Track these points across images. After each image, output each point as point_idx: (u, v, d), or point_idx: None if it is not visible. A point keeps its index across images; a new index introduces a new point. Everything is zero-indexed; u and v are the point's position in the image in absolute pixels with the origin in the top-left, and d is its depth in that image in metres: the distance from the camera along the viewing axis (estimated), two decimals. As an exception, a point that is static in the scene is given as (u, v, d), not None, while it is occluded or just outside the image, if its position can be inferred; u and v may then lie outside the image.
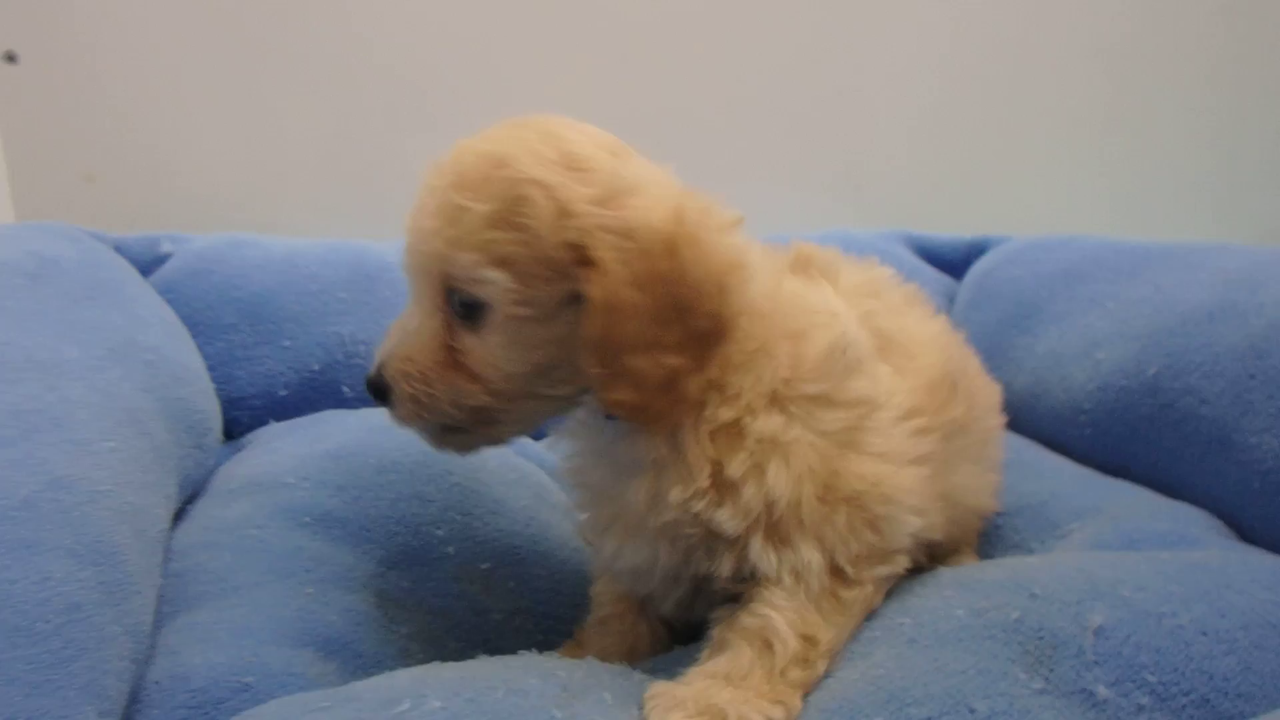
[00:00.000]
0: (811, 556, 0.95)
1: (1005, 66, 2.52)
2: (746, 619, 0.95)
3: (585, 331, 0.90)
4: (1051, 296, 1.80)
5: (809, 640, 0.94)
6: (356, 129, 2.27)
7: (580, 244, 0.88)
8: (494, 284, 0.90)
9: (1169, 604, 0.93)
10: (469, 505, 1.37)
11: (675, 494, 0.95)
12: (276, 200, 2.25)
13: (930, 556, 1.16)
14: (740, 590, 0.99)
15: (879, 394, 1.01)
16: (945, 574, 1.08)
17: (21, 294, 1.30)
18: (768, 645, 0.93)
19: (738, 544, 0.96)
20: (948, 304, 2.10)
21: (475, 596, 1.28)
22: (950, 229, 2.28)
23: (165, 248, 1.79)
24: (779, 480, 0.94)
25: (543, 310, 0.92)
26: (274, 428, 1.62)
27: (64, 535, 0.91)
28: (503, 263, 0.90)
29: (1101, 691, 0.86)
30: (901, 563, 1.04)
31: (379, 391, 0.99)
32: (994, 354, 1.83)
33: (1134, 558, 1.08)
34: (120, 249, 1.73)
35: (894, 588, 1.05)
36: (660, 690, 0.90)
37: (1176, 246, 1.67)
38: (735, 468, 0.94)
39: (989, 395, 1.32)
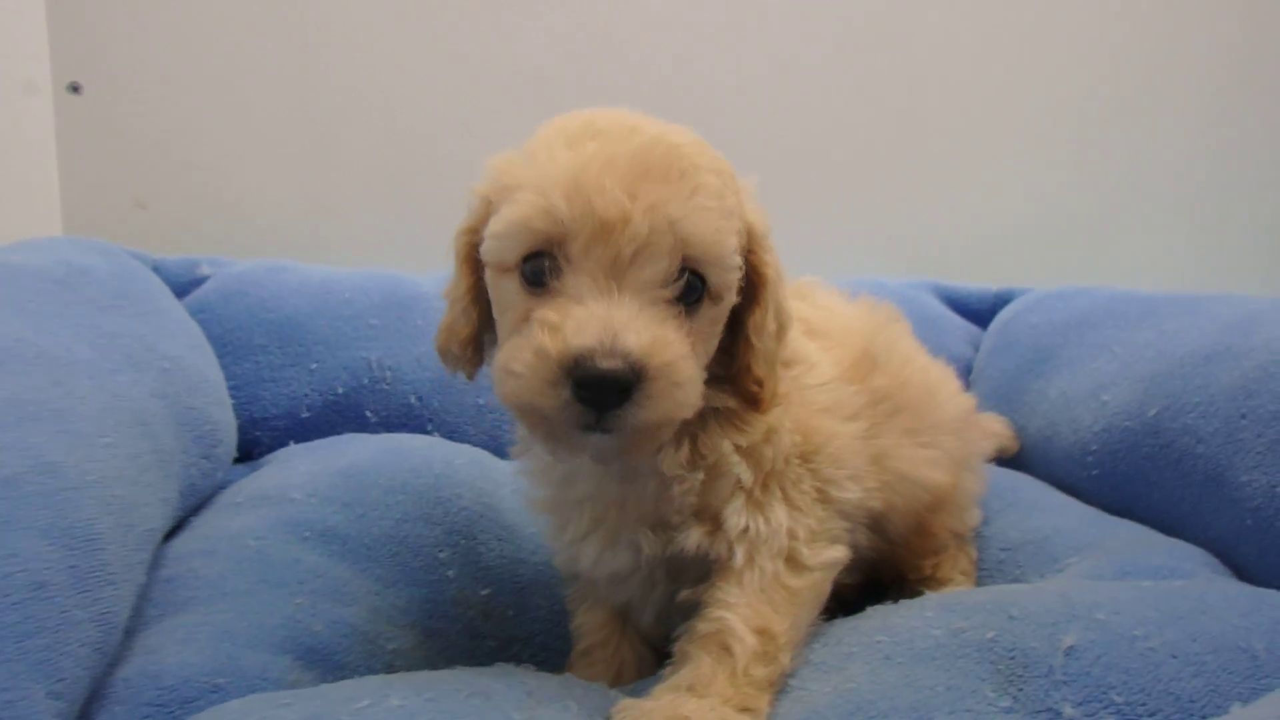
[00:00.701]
0: (781, 519, 1.01)
1: (1045, 124, 2.54)
2: (702, 626, 0.98)
3: (752, 322, 0.98)
4: (1065, 343, 1.84)
5: (765, 634, 0.96)
6: (404, 163, 2.31)
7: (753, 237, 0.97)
8: (732, 266, 0.92)
9: (1143, 627, 0.94)
10: (476, 530, 1.38)
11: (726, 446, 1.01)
12: (322, 230, 2.30)
13: (892, 559, 1.28)
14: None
15: (812, 354, 1.11)
16: (931, 597, 1.09)
17: (46, 297, 1.34)
18: (726, 649, 0.95)
19: (713, 515, 1.01)
20: (973, 351, 2.14)
21: (472, 621, 1.29)
22: (981, 280, 2.31)
23: (204, 270, 1.84)
24: (784, 439, 1.03)
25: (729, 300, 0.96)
26: (293, 449, 1.64)
27: (40, 516, 0.92)
28: (734, 246, 0.92)
29: (1068, 711, 0.87)
30: (843, 549, 1.07)
31: (618, 387, 0.84)
32: (1012, 398, 1.89)
33: (1117, 585, 1.09)
34: (159, 269, 1.78)
35: (878, 608, 1.08)
36: (627, 704, 0.92)
37: (1181, 296, 1.71)
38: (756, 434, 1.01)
39: (938, 387, 1.35)
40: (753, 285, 0.98)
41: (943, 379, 1.39)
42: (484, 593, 1.30)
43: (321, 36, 2.27)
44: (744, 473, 1.01)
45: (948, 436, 1.28)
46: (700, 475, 0.99)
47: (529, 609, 1.31)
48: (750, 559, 0.99)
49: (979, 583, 1.37)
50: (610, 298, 0.85)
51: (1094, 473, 1.57)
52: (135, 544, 1.06)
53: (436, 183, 2.23)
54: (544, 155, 0.89)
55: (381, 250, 2.24)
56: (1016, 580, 1.35)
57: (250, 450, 1.69)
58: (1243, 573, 1.28)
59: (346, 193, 2.30)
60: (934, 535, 1.32)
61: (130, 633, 1.05)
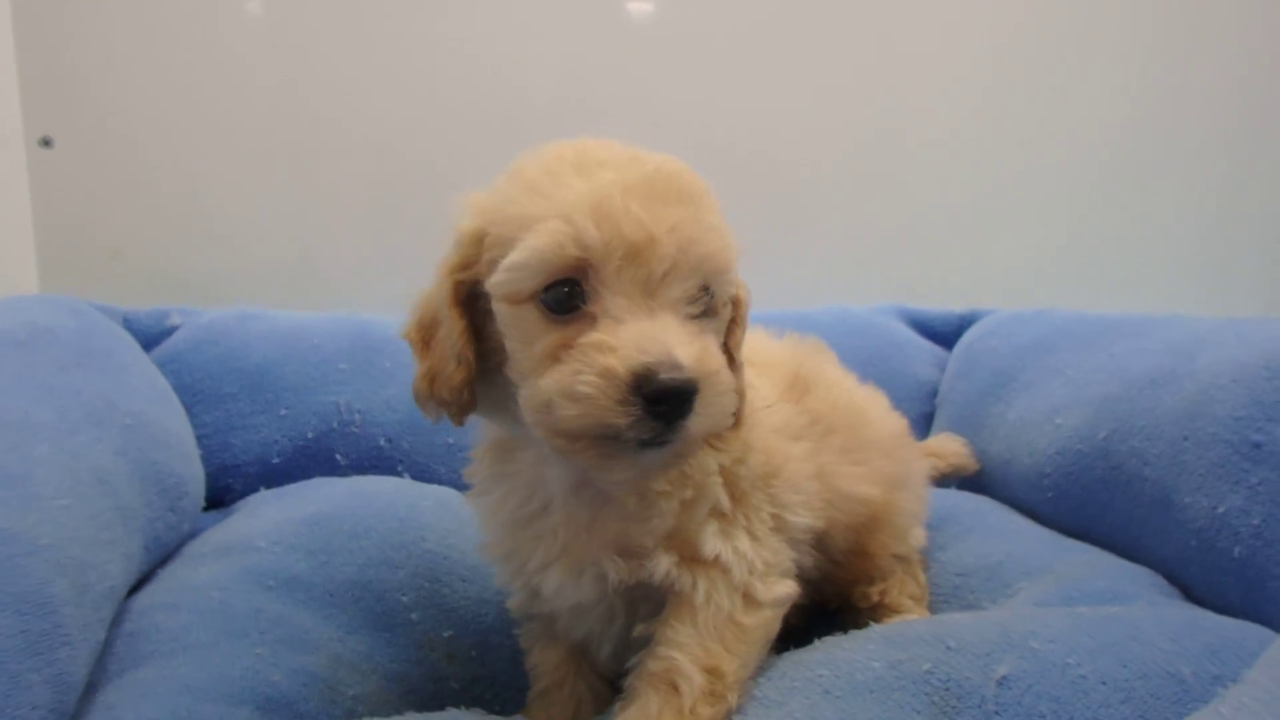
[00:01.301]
0: (745, 549, 1.03)
1: (1017, 148, 2.58)
2: (651, 664, 1.00)
3: (733, 340, 1.03)
4: (1023, 366, 1.85)
5: (714, 673, 0.98)
6: (381, 211, 2.34)
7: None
8: (733, 282, 0.97)
9: (1075, 654, 0.96)
10: (439, 573, 1.39)
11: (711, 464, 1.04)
12: (297, 277, 2.33)
13: (835, 579, 1.30)
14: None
15: (753, 378, 1.13)
16: (876, 629, 1.10)
17: (7, 360, 1.36)
18: (674, 688, 0.97)
19: (685, 540, 1.03)
20: (939, 374, 2.15)
21: (435, 663, 1.30)
22: (948, 302, 2.33)
23: (174, 320, 1.86)
24: (755, 459, 1.08)
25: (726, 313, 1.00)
26: (263, 494, 1.66)
27: (-9, 584, 0.94)
28: (734, 263, 0.96)
29: (997, 740, 0.89)
30: (793, 585, 1.09)
31: (684, 398, 0.87)
32: (974, 421, 1.90)
33: (1057, 613, 1.10)
34: (129, 321, 1.80)
35: (825, 640, 1.09)
36: None
37: (1132, 317, 1.73)
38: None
39: (865, 408, 1.39)
40: (732, 306, 1.01)
41: (870, 401, 1.43)
42: (447, 634, 1.31)
43: (294, 88, 2.32)
44: (722, 496, 1.03)
45: (878, 455, 1.31)
46: (688, 492, 1.02)
47: (492, 648, 1.32)
48: (709, 597, 1.01)
49: (934, 608, 1.39)
50: (652, 315, 0.87)
51: (1049, 495, 1.59)
52: (93, 603, 1.08)
53: (415, 230, 2.27)
54: (555, 184, 0.90)
55: (357, 295, 2.27)
56: (970, 606, 1.36)
57: (222, 497, 1.72)
58: (1190, 594, 1.30)
59: (321, 240, 2.34)
60: (873, 556, 1.33)
61: (93, 688, 1.06)
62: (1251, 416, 1.25)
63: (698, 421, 0.87)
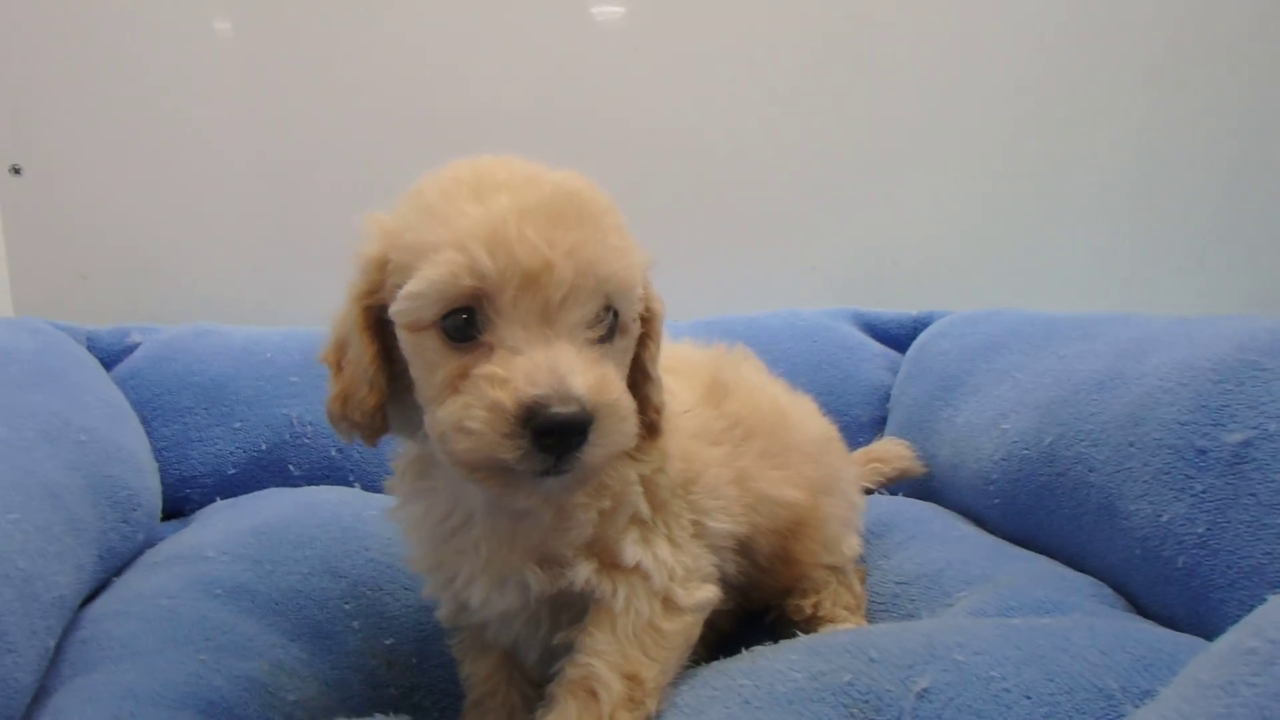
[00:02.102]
0: (665, 556, 1.04)
1: (966, 148, 2.59)
2: (570, 670, 1.01)
3: (647, 354, 1.03)
4: (972, 369, 1.82)
5: (633, 679, 0.99)
6: (340, 234, 2.37)
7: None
8: (637, 299, 0.96)
9: (1001, 667, 0.95)
10: (382, 581, 1.42)
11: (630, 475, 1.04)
12: (259, 297, 2.37)
13: (761, 587, 1.30)
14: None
15: (670, 383, 1.11)
16: (803, 639, 1.11)
17: (-35, 382, 1.40)
18: (592, 694, 0.98)
19: (605, 548, 1.03)
20: (892, 377, 2.14)
21: (375, 670, 1.32)
22: (907, 307, 2.32)
23: (134, 338, 1.91)
24: (673, 466, 1.08)
25: (634, 330, 0.99)
26: (218, 505, 1.69)
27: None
28: (639, 280, 0.96)
29: (914, 754, 0.88)
30: (714, 589, 1.10)
31: (575, 430, 0.85)
32: (924, 426, 1.88)
33: (987, 623, 1.09)
34: (92, 339, 1.85)
35: (751, 650, 1.09)
36: None
37: (1084, 317, 1.69)
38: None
39: (788, 412, 1.38)
40: (644, 320, 1.01)
41: (795, 406, 1.42)
42: (388, 642, 1.33)
43: (258, 117, 2.36)
44: (642, 504, 1.04)
45: (802, 459, 1.31)
46: (606, 503, 1.02)
47: (431, 656, 1.34)
48: (628, 603, 1.02)
49: (872, 617, 1.39)
50: (548, 344, 0.86)
51: (996, 502, 1.57)
52: (40, 612, 1.10)
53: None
54: (451, 210, 0.89)
55: (318, 312, 2.30)
56: (909, 615, 1.36)
57: (181, 508, 1.75)
58: (1136, 604, 1.28)
59: (283, 261, 2.39)
60: (801, 564, 1.32)
61: (45, 693, 1.09)
62: (1196, 421, 1.22)
63: (594, 451, 0.86)
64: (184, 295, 2.35)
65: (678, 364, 1.23)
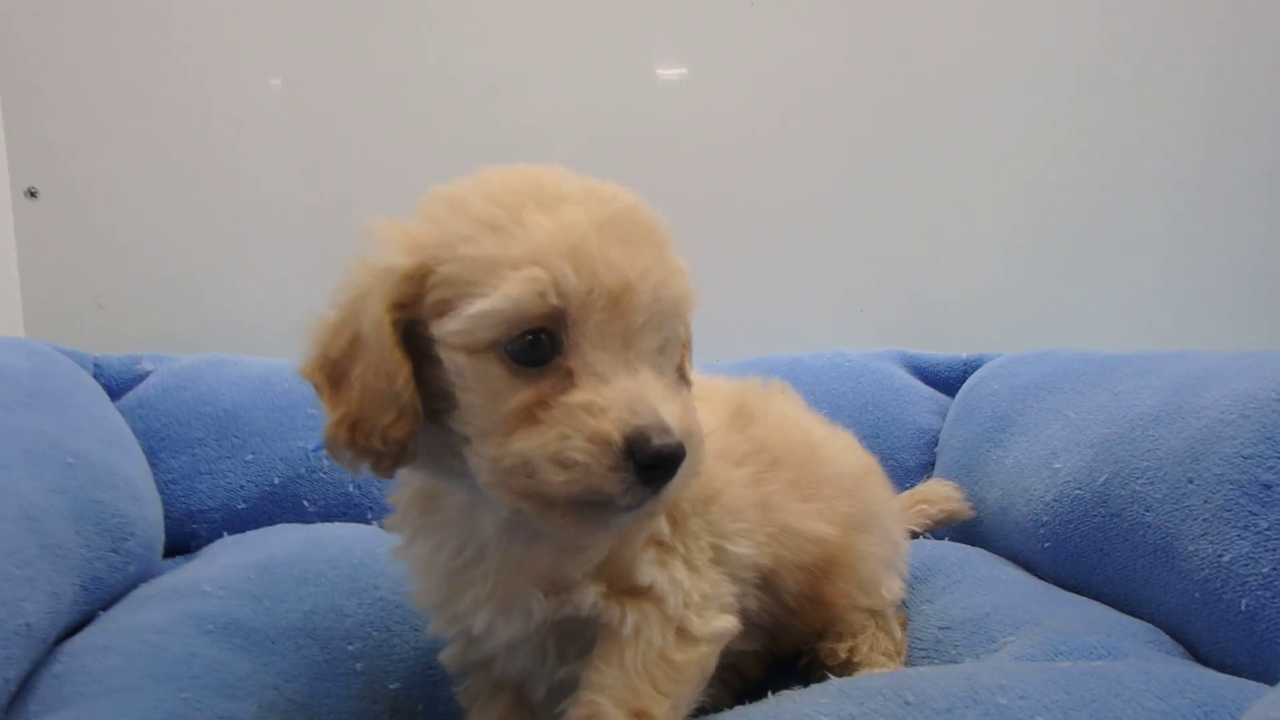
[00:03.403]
0: (682, 578, 0.98)
1: (1017, 187, 2.52)
2: (574, 710, 0.93)
3: (684, 362, 0.98)
4: (1023, 409, 1.75)
5: (642, 716, 0.92)
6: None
7: None
8: (688, 319, 0.94)
9: (1048, 713, 0.88)
10: (390, 621, 1.33)
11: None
12: (281, 327, 2.31)
13: (790, 629, 1.23)
14: None
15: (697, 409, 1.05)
16: (834, 683, 1.02)
17: (-52, 397, 1.33)
18: None
19: (618, 568, 0.97)
20: (940, 421, 2.07)
21: (378, 716, 1.24)
22: (956, 350, 2.27)
23: (146, 366, 1.85)
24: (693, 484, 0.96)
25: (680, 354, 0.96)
26: (225, 540, 1.62)
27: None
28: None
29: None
30: (733, 619, 1.02)
31: (675, 462, 0.82)
32: (972, 468, 1.80)
33: (1033, 667, 1.01)
34: (101, 366, 1.79)
35: (778, 694, 1.02)
36: None
37: (1140, 355, 1.61)
38: None
39: (821, 444, 1.32)
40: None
41: (831, 438, 1.37)
42: (393, 686, 1.25)
43: (273, 137, 2.32)
44: (661, 522, 0.98)
45: (835, 493, 1.24)
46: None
47: (439, 703, 1.25)
48: (638, 630, 0.95)
49: (912, 664, 1.30)
50: (632, 371, 0.83)
51: (1047, 545, 1.49)
52: (1, 637, 1.04)
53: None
54: (518, 222, 0.83)
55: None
56: (952, 661, 1.27)
57: (187, 544, 1.68)
58: (1195, 651, 1.20)
59: (306, 294, 2.32)
60: (833, 605, 1.25)
61: None
62: (1262, 455, 1.15)
63: (676, 484, 0.83)
64: (203, 327, 2.30)
65: (703, 392, 1.15)
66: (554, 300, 0.80)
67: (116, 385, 1.79)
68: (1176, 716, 0.87)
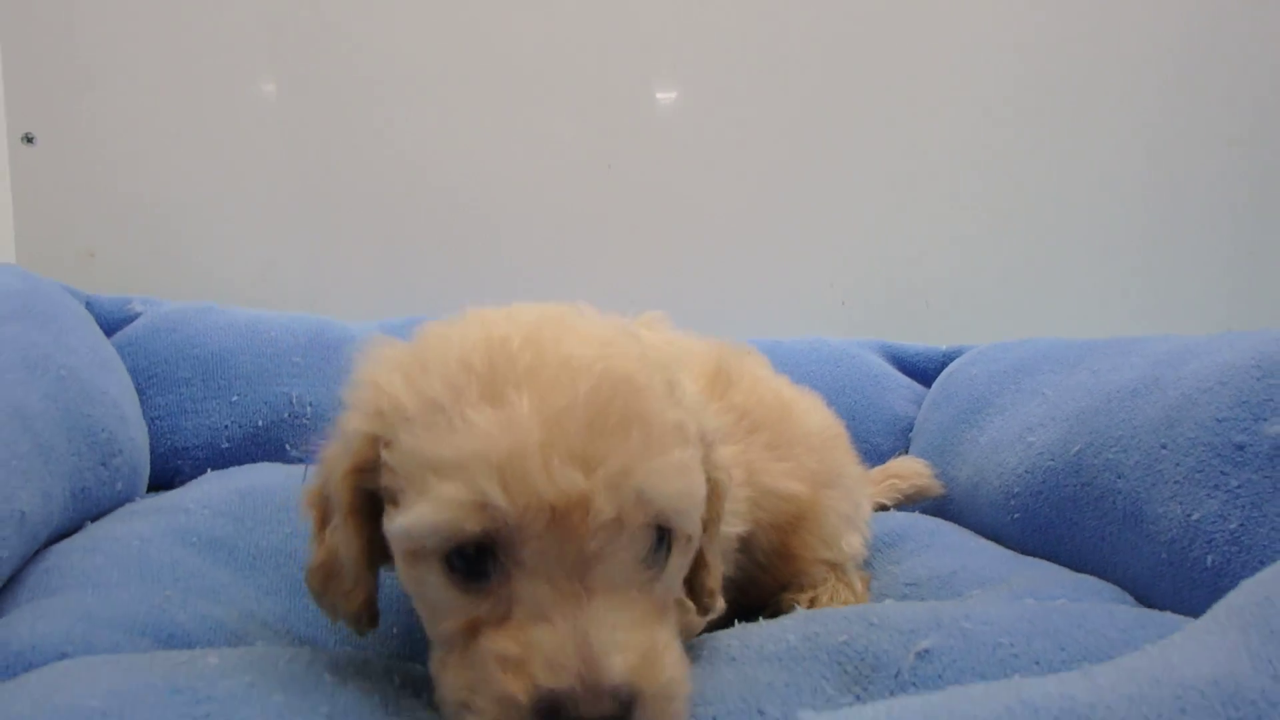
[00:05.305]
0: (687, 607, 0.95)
1: (995, 180, 2.57)
2: None
3: (713, 536, 0.90)
4: (1000, 391, 1.77)
5: None
6: (353, 217, 2.37)
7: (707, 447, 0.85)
8: (700, 511, 0.80)
9: (1009, 636, 0.88)
10: (365, 552, 1.35)
11: None
12: (271, 280, 2.34)
13: (758, 584, 1.22)
14: None
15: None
16: (800, 612, 1.05)
17: (-58, 304, 1.35)
18: None
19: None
20: (916, 409, 2.10)
21: (351, 635, 1.24)
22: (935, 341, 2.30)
23: (136, 307, 1.87)
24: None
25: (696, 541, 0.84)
26: (208, 475, 1.63)
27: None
28: (704, 490, 0.81)
29: (910, 711, 0.82)
30: (722, 603, 0.99)
31: None
32: (946, 449, 1.82)
33: (997, 603, 1.02)
34: (92, 305, 1.81)
35: (747, 624, 1.01)
36: None
37: (1121, 338, 1.63)
38: None
39: (792, 404, 1.32)
40: (707, 498, 0.85)
41: (800, 399, 1.37)
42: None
43: (273, 87, 2.35)
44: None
45: (805, 451, 1.24)
46: None
47: (413, 629, 1.27)
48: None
49: None
50: (580, 608, 0.69)
51: (1016, 517, 1.51)
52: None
53: (385, 238, 2.32)
54: (456, 418, 0.71)
55: (327, 300, 2.30)
56: None
57: (171, 480, 1.69)
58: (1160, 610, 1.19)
59: (298, 251, 2.36)
60: (798, 558, 1.25)
61: None
62: (1236, 417, 1.16)
63: None
64: (193, 278, 2.32)
65: (680, 354, 1.12)
66: (474, 525, 0.69)
67: (107, 324, 1.81)
68: (1137, 644, 0.84)
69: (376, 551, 0.83)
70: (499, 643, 0.69)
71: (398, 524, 0.73)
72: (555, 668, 0.66)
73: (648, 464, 0.71)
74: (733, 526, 1.06)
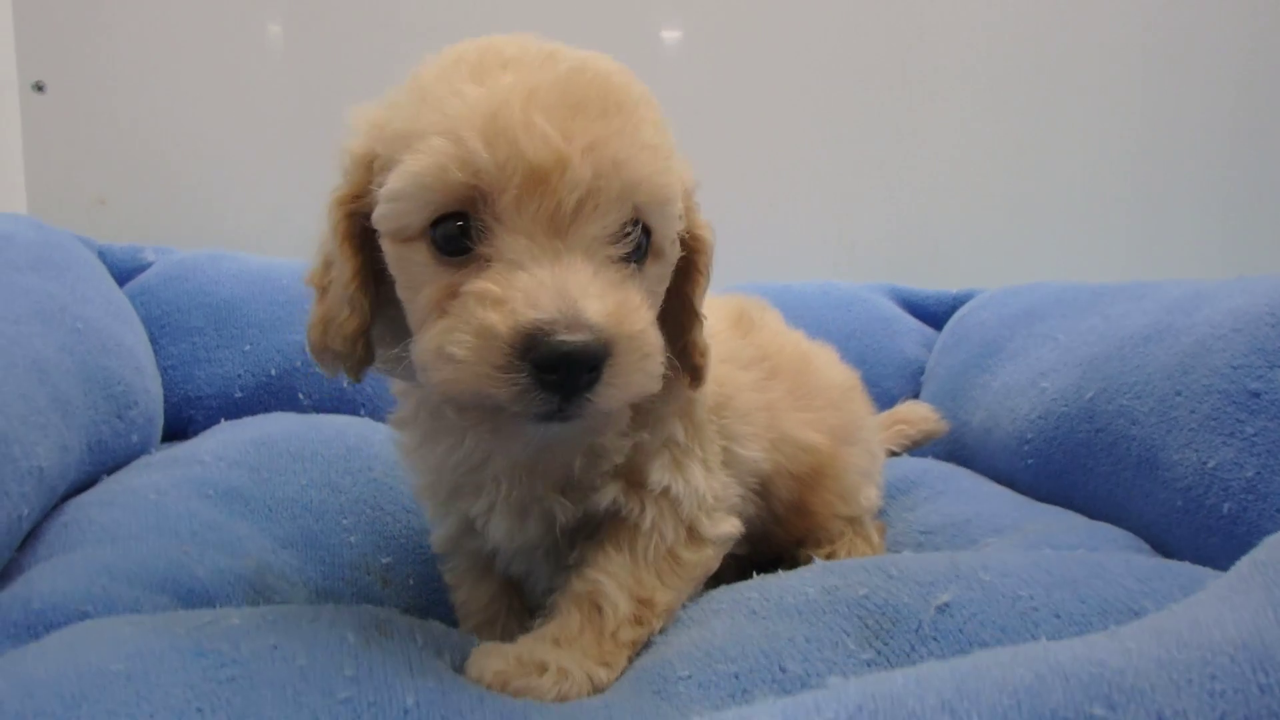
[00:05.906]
0: (698, 480, 0.96)
1: (1007, 126, 2.57)
2: (577, 584, 0.93)
3: (693, 288, 0.91)
4: (1012, 335, 1.77)
5: (645, 603, 0.92)
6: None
7: (685, 191, 0.87)
8: (676, 216, 0.82)
9: (1029, 588, 0.88)
10: (383, 501, 1.35)
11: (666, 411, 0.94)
12: (284, 229, 2.33)
13: (776, 537, 1.22)
14: None
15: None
16: (817, 564, 1.05)
17: (-43, 258, 1.35)
18: (596, 608, 0.91)
19: (634, 469, 0.95)
20: (927, 353, 2.09)
21: (369, 586, 1.25)
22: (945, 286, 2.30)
23: (148, 256, 1.86)
24: (709, 389, 0.99)
25: (672, 255, 0.86)
26: (222, 425, 1.63)
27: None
28: (680, 193, 0.83)
29: (931, 665, 0.83)
30: (737, 523, 1.03)
31: (586, 364, 0.71)
32: (957, 394, 1.82)
33: (1015, 552, 1.02)
34: (104, 254, 1.80)
35: (764, 575, 1.02)
36: (487, 647, 0.86)
37: (1133, 283, 1.62)
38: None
39: (811, 356, 1.31)
40: (689, 249, 0.89)
41: (818, 352, 1.35)
42: (385, 560, 1.27)
43: (284, 36, 2.34)
44: (679, 431, 0.96)
45: (825, 405, 1.24)
46: (644, 435, 0.93)
47: (430, 579, 1.26)
48: (654, 525, 0.94)
49: None
50: (558, 260, 0.72)
51: (1029, 462, 1.51)
52: (14, 476, 1.06)
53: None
54: (445, 92, 0.75)
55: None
56: None
57: (185, 429, 1.70)
58: (1175, 557, 1.17)
59: (310, 193, 2.34)
60: (816, 514, 1.25)
61: (19, 569, 1.05)
62: (1251, 365, 1.16)
63: (609, 393, 0.72)
64: (205, 225, 2.32)
65: None
66: (458, 175, 0.72)
67: (119, 273, 1.81)
68: (1157, 596, 0.87)
69: (369, 280, 0.85)
70: (478, 285, 0.72)
71: (385, 190, 0.76)
72: (534, 302, 0.70)
73: (625, 141, 0.75)
74: (751, 451, 1.07)
